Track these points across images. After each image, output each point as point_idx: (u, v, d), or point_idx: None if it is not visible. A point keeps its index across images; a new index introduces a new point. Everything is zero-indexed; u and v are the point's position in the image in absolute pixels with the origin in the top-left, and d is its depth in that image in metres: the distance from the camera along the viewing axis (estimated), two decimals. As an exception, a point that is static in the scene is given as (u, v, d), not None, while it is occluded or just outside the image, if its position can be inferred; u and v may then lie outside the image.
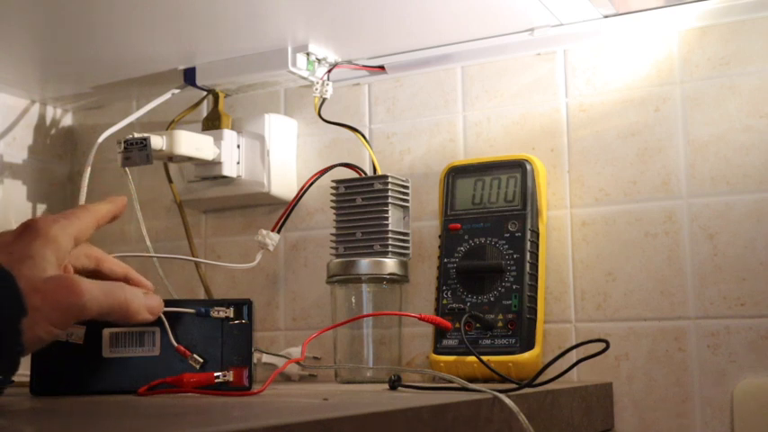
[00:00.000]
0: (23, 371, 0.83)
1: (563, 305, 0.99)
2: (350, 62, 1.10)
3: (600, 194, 0.99)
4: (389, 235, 1.00)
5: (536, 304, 0.95)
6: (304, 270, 1.14)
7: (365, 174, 1.05)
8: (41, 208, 1.26)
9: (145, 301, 0.65)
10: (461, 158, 1.06)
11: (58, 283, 0.58)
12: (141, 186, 1.16)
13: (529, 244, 0.96)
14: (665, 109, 0.97)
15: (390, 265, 0.99)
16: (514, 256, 0.96)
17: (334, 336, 1.01)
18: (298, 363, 1.01)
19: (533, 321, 0.95)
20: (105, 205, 0.69)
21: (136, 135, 1.03)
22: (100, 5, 0.94)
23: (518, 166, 0.98)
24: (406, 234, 1.02)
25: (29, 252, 0.58)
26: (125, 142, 1.03)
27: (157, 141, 1.04)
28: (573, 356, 0.89)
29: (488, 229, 0.98)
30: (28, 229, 0.60)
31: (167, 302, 0.77)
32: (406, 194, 1.04)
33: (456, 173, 1.01)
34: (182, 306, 0.77)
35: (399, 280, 1.00)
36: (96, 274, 0.69)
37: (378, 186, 1.01)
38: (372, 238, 1.00)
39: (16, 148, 1.24)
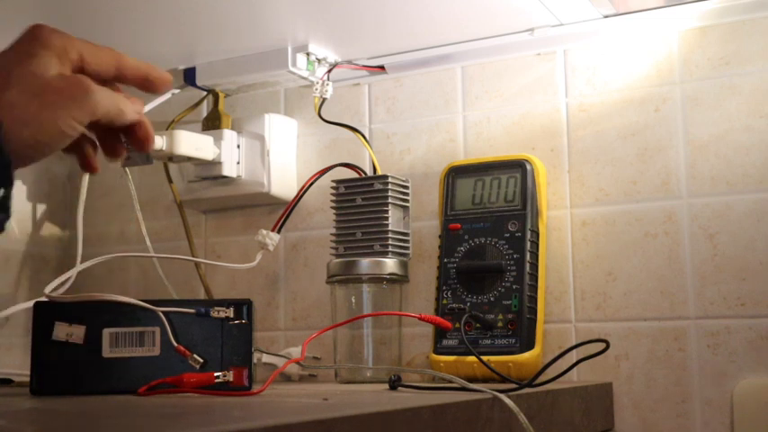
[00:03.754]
0: (24, 371, 0.83)
1: (563, 305, 0.99)
2: (350, 62, 1.10)
3: (600, 194, 0.99)
4: (389, 235, 1.00)
5: (536, 304, 0.95)
6: (304, 270, 1.14)
7: (365, 174, 1.05)
8: (41, 208, 1.26)
9: (133, 106, 0.65)
10: (461, 158, 1.06)
11: (70, 80, 0.60)
12: (141, 186, 1.16)
13: (529, 244, 0.96)
14: (665, 109, 0.97)
15: (390, 265, 0.99)
16: (514, 256, 0.96)
17: (334, 336, 1.01)
18: (298, 363, 1.01)
19: (533, 321, 0.95)
20: (139, 61, 0.67)
21: (136, 135, 1.03)
22: (100, 6, 0.94)
23: (518, 166, 0.98)
24: (406, 234, 1.02)
25: (32, 51, 0.60)
26: (125, 142, 1.03)
27: (157, 141, 1.04)
28: (573, 356, 0.89)
29: (488, 229, 0.98)
30: (30, 33, 0.61)
31: (167, 302, 0.77)
32: (406, 194, 1.04)
33: (456, 173, 1.01)
34: (182, 306, 0.77)
35: (399, 280, 1.01)
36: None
37: (378, 186, 1.01)
38: (372, 238, 1.00)
39: (16, 148, 1.24)
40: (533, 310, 0.95)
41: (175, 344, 0.76)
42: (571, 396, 0.85)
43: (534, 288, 0.95)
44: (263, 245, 1.07)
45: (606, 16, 0.99)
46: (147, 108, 1.14)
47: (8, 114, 0.57)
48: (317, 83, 1.08)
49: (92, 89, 0.61)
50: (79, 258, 1.13)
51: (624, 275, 0.97)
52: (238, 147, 1.12)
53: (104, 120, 0.63)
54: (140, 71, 0.66)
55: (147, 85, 0.67)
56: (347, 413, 0.51)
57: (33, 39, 0.61)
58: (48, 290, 0.78)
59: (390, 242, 0.99)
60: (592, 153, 1.00)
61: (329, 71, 1.09)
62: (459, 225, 0.99)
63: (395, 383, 0.79)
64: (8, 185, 0.56)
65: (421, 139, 1.09)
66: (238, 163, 1.12)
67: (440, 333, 0.96)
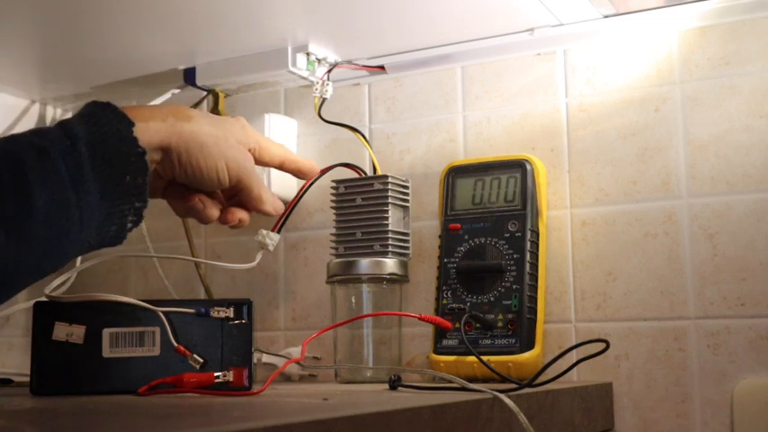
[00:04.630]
0: (24, 371, 0.83)
1: (563, 305, 0.99)
2: (350, 62, 1.10)
3: (600, 194, 0.99)
4: (389, 235, 0.99)
5: (536, 304, 0.95)
6: (304, 270, 1.14)
7: (365, 174, 1.05)
8: (41, 208, 1.26)
9: (274, 200, 0.81)
10: (461, 158, 1.06)
11: (245, 151, 0.78)
12: (141, 186, 1.16)
13: (529, 244, 0.96)
14: (665, 109, 0.97)
15: (390, 265, 0.99)
16: (514, 256, 0.96)
17: (334, 336, 1.01)
18: (298, 363, 1.01)
19: (533, 321, 0.95)
20: (297, 158, 0.86)
21: (136, 135, 1.03)
22: (100, 5, 0.94)
23: (518, 166, 0.98)
24: (406, 234, 1.02)
25: (231, 120, 0.78)
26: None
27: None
28: (573, 356, 0.89)
29: (488, 229, 0.98)
30: (233, 117, 0.80)
31: (167, 302, 0.77)
32: (406, 194, 1.04)
33: (456, 173, 1.01)
34: (182, 306, 0.77)
35: (399, 280, 1.00)
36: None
37: (378, 186, 1.01)
38: (372, 238, 1.00)
39: (16, 148, 1.24)
40: (533, 310, 0.95)
41: (175, 344, 0.76)
42: (571, 396, 0.85)
43: (534, 288, 0.95)
44: (263, 245, 1.06)
45: (606, 16, 0.99)
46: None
47: (193, 136, 0.72)
48: (317, 83, 1.08)
49: (254, 170, 0.78)
50: (79, 258, 1.13)
51: (624, 275, 0.97)
52: (238, 147, 1.12)
53: (245, 193, 0.78)
54: (296, 165, 0.86)
55: (299, 174, 0.87)
56: (347, 413, 0.51)
57: (236, 119, 0.79)
58: (48, 290, 0.78)
59: (390, 242, 0.99)
60: (592, 153, 1.00)
61: (329, 71, 1.09)
62: (459, 225, 0.99)
63: (395, 383, 0.79)
64: (145, 173, 0.67)
65: (421, 139, 1.09)
66: (238, 163, 1.11)
67: (440, 333, 0.96)
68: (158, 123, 0.71)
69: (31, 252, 0.62)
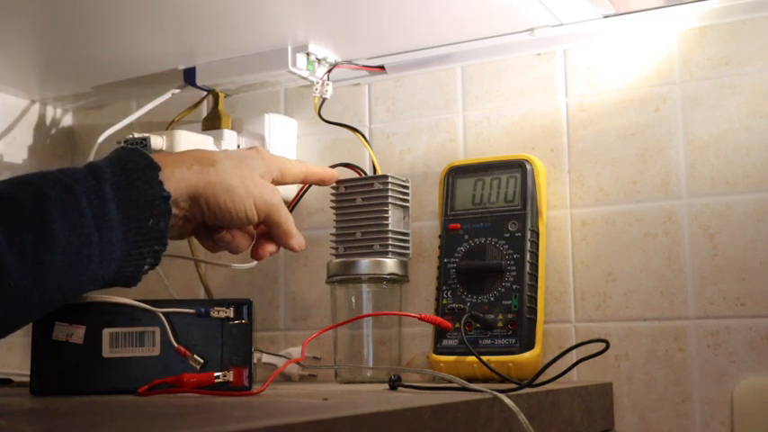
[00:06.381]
0: (24, 371, 0.83)
1: (563, 305, 0.99)
2: (350, 62, 1.10)
3: (600, 194, 0.99)
4: (389, 235, 0.99)
5: (536, 304, 0.95)
6: (304, 270, 1.14)
7: (365, 174, 1.05)
8: (41, 208, 1.26)
9: (299, 236, 0.83)
10: (461, 158, 1.06)
11: (271, 186, 0.79)
12: (141, 186, 1.16)
13: (529, 244, 0.96)
14: (665, 109, 0.97)
15: (390, 265, 0.99)
16: (514, 256, 0.96)
17: (334, 336, 1.01)
18: (298, 363, 1.01)
19: (533, 321, 0.95)
20: (319, 167, 0.90)
21: (136, 135, 1.03)
22: (100, 5, 0.94)
23: (518, 166, 0.98)
24: (406, 234, 1.02)
25: (251, 153, 0.80)
26: (125, 142, 1.03)
27: (157, 141, 1.04)
28: (573, 356, 0.89)
29: (488, 229, 0.98)
30: (253, 148, 0.82)
31: (167, 302, 0.77)
32: (406, 194, 1.04)
33: (456, 173, 1.01)
34: (182, 306, 0.77)
35: (399, 280, 1.00)
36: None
37: (378, 186, 1.01)
38: (372, 238, 1.00)
39: (16, 148, 1.24)
40: (533, 310, 0.95)
41: (175, 344, 0.76)
42: (571, 396, 0.85)
43: (534, 288, 0.95)
44: (263, 245, 1.07)
45: (606, 16, 0.99)
46: (147, 108, 1.15)
47: (219, 180, 0.74)
48: (317, 83, 1.08)
49: (282, 203, 0.79)
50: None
51: (624, 275, 0.97)
52: (238, 147, 1.12)
53: (274, 228, 0.80)
54: (318, 177, 0.89)
55: (321, 184, 0.92)
56: (347, 413, 0.51)
57: (255, 150, 0.81)
58: (48, 290, 0.78)
59: (390, 242, 0.99)
60: (592, 153, 1.00)
61: (329, 71, 1.09)
62: (459, 225, 0.99)
63: (395, 383, 0.79)
64: (168, 218, 0.69)
65: (421, 139, 1.09)
66: (238, 163, 1.11)
67: (440, 333, 0.96)
68: (184, 171, 0.72)
69: (46, 282, 0.63)
